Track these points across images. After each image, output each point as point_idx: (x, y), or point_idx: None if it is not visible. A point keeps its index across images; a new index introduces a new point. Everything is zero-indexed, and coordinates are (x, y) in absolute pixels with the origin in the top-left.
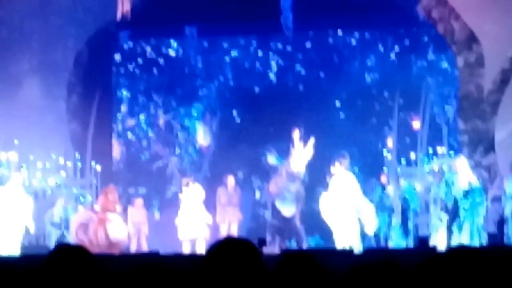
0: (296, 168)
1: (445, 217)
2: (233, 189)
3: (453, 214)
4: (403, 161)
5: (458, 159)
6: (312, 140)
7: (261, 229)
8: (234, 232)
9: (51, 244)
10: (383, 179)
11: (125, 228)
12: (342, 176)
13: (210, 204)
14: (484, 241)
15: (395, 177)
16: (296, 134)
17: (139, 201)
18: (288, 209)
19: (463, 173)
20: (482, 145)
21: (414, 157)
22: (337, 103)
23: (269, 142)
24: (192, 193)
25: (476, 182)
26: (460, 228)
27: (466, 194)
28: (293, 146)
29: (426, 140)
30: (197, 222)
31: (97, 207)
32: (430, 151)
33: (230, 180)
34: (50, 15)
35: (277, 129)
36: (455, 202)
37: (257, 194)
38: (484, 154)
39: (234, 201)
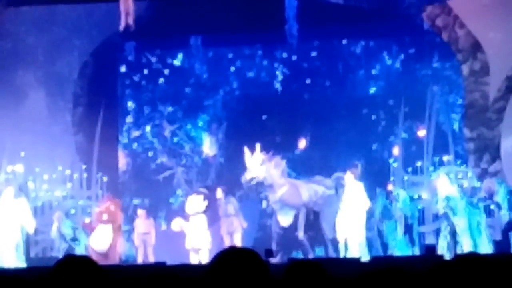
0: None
1: (446, 227)
2: (223, 201)
3: (452, 224)
4: (409, 169)
5: (438, 178)
6: (257, 146)
7: (268, 239)
8: (238, 242)
9: (59, 256)
10: (390, 187)
11: (108, 239)
12: (351, 186)
13: (216, 214)
14: (490, 249)
15: (401, 186)
16: (257, 147)
17: (142, 212)
18: (285, 219)
19: (442, 190)
20: (488, 152)
21: (420, 165)
22: (343, 112)
23: (276, 152)
24: (197, 204)
25: (458, 195)
26: (461, 238)
27: (454, 207)
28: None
29: (432, 149)
30: (201, 233)
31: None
32: (436, 159)
33: (219, 192)
34: (55, 27)
35: (283, 139)
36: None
37: (264, 204)
38: (490, 162)
39: (230, 211)
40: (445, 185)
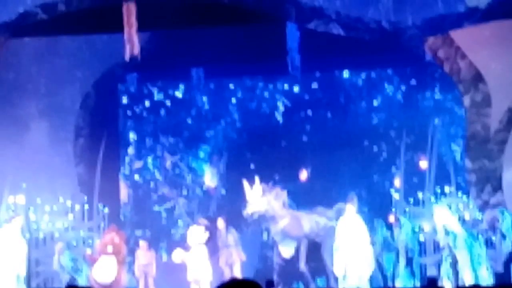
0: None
1: (447, 258)
2: (224, 231)
3: (453, 256)
4: (411, 200)
5: (437, 209)
6: (256, 179)
7: (269, 270)
8: (237, 274)
9: (61, 287)
10: (391, 219)
11: (112, 271)
12: (350, 219)
13: (216, 246)
14: (491, 281)
15: (402, 217)
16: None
17: (143, 244)
18: (287, 250)
19: (441, 222)
20: (490, 184)
21: (421, 196)
22: (344, 143)
23: (277, 183)
24: (198, 235)
25: (460, 226)
26: (462, 270)
27: (455, 238)
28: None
29: (433, 180)
30: (202, 264)
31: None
32: (438, 190)
33: (220, 222)
34: (57, 58)
35: (284, 170)
36: (450, 245)
37: (265, 235)
38: (492, 193)
39: (230, 242)
40: (446, 216)
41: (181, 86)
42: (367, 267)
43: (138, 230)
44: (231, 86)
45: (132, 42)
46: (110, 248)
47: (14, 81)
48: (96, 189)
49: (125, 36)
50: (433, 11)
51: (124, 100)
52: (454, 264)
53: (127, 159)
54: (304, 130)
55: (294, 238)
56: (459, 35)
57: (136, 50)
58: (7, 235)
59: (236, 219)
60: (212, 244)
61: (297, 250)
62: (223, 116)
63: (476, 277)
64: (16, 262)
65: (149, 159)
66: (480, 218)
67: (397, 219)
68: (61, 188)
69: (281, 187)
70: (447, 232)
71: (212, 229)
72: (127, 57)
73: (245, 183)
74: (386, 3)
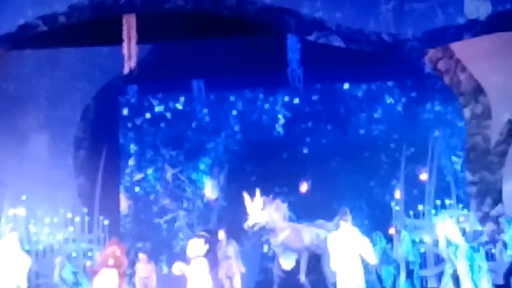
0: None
1: (448, 271)
2: (225, 243)
3: (454, 268)
4: (411, 213)
5: (443, 222)
6: (257, 191)
7: (270, 282)
8: (238, 285)
9: None
10: (392, 231)
11: (113, 284)
12: (346, 233)
13: (217, 258)
14: None
15: (403, 229)
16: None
17: (143, 256)
18: (287, 263)
19: (443, 232)
20: (490, 196)
21: (422, 209)
22: (344, 155)
23: (277, 195)
24: (198, 247)
25: (461, 238)
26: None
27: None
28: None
29: (434, 192)
30: (202, 277)
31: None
32: (438, 203)
33: (221, 234)
34: (57, 71)
35: (285, 182)
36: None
37: (265, 247)
38: (492, 206)
39: (230, 254)
40: (450, 228)
41: (182, 98)
42: (359, 283)
43: (139, 242)
44: (232, 98)
45: (130, 55)
46: (111, 261)
47: (15, 93)
48: (97, 201)
49: (124, 48)
50: (433, 23)
51: (125, 112)
52: (455, 276)
53: (127, 170)
54: (304, 142)
55: (295, 250)
56: (459, 47)
57: (133, 63)
58: (7, 247)
59: (236, 231)
60: (213, 257)
61: (298, 263)
62: (223, 128)
63: None
64: (16, 275)
65: (150, 171)
66: (480, 230)
67: (397, 232)
68: (61, 200)
69: (282, 199)
70: (449, 243)
71: (212, 241)
72: (125, 70)
73: (246, 195)
74: (387, 16)
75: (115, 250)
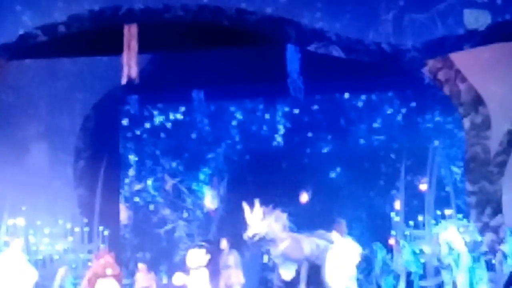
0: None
1: (448, 281)
2: (227, 252)
3: (453, 278)
4: (411, 223)
5: (446, 231)
6: (256, 202)
7: None
8: None
9: None
10: (391, 241)
11: None
12: (339, 244)
13: (217, 268)
14: None
15: (403, 240)
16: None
17: (143, 267)
18: (287, 273)
19: (446, 239)
20: (490, 206)
21: (422, 219)
22: (344, 166)
23: (277, 205)
24: (198, 258)
25: (462, 249)
26: None
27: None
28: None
29: (433, 202)
30: (203, 287)
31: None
32: (438, 213)
33: (223, 243)
34: (57, 80)
35: (285, 192)
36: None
37: (265, 258)
38: (492, 216)
39: (230, 263)
40: (453, 236)
41: (182, 108)
42: None
43: (138, 252)
44: (232, 108)
45: (130, 65)
46: (109, 271)
47: (14, 103)
48: (96, 212)
49: (124, 58)
50: (433, 33)
51: (125, 122)
52: (455, 287)
53: (127, 181)
54: (304, 152)
55: (295, 260)
56: (459, 58)
57: (134, 74)
58: (13, 258)
59: (236, 241)
60: (214, 267)
61: (298, 273)
62: (223, 138)
63: None
64: (18, 285)
65: (150, 181)
66: (480, 241)
67: (397, 242)
68: (61, 211)
69: (282, 209)
70: (450, 250)
71: (212, 251)
72: (124, 80)
73: (245, 206)
74: (386, 26)
75: (109, 260)
